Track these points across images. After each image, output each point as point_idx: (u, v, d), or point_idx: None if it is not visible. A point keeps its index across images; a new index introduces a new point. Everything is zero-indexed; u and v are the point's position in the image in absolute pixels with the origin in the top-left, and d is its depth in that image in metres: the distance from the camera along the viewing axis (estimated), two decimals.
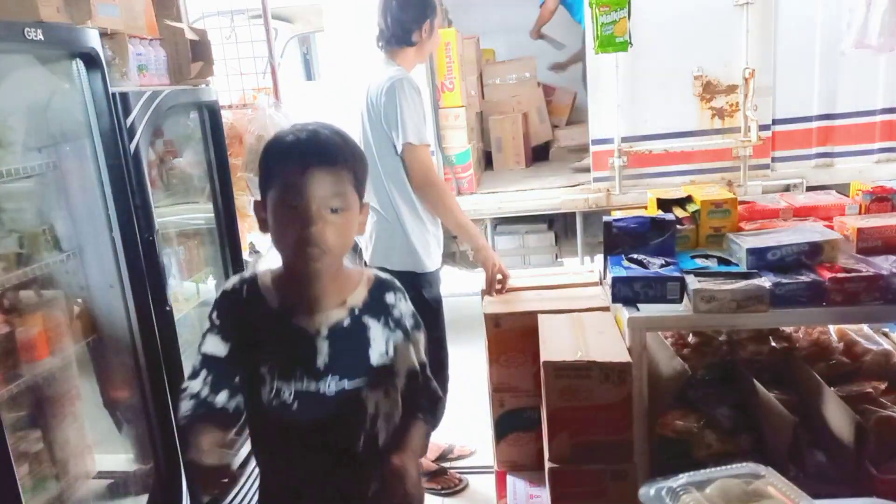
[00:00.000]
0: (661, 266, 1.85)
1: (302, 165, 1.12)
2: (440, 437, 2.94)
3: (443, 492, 2.80)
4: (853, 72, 3.47)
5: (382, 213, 2.47)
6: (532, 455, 2.21)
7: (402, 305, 1.30)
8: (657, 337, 2.05)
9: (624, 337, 1.82)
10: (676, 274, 1.78)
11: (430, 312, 2.46)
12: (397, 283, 1.33)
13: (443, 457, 2.98)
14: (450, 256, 4.24)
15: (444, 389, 2.64)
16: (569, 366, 1.71)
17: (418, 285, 2.45)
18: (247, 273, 1.28)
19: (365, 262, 2.55)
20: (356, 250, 2.59)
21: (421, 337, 1.32)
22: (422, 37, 2.38)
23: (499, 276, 2.31)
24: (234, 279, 1.27)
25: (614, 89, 3.58)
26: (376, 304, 1.27)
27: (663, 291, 1.77)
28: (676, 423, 1.94)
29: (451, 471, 2.89)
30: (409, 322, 1.30)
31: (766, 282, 1.71)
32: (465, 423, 2.97)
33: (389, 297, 1.29)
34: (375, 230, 2.51)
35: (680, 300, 1.76)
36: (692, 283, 1.74)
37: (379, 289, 1.29)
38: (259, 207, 1.21)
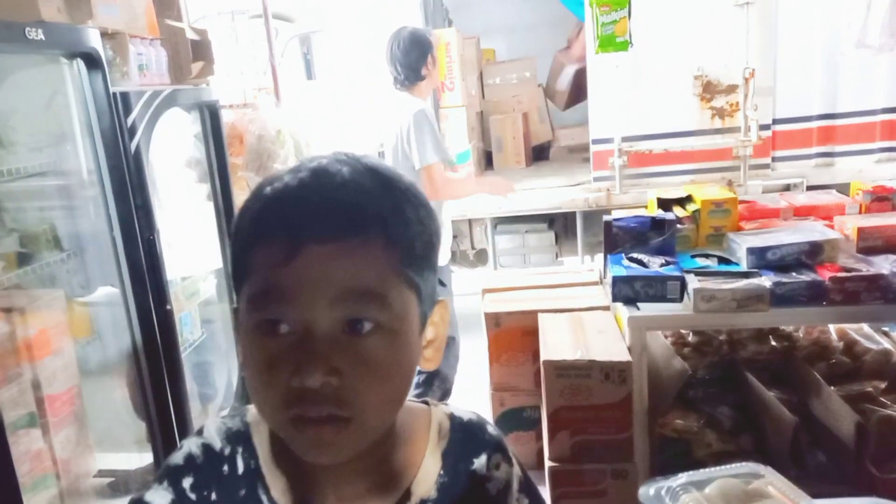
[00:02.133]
0: (662, 265, 1.85)
1: (289, 240, 0.56)
2: None
3: None
4: (853, 72, 3.46)
5: None
6: (532, 454, 2.22)
7: (504, 471, 0.73)
8: (657, 336, 2.05)
9: (624, 336, 1.82)
10: (677, 273, 1.79)
11: None
12: (489, 427, 0.74)
13: None
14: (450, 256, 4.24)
15: (449, 389, 2.72)
16: (569, 365, 1.71)
17: None
18: (233, 421, 0.69)
19: None
20: None
21: None
22: (428, 69, 2.77)
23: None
24: (213, 430, 0.68)
25: (614, 89, 3.58)
26: (460, 482, 0.70)
27: (663, 291, 1.77)
28: (676, 423, 1.94)
29: None
30: None
31: (766, 281, 1.71)
32: None
33: (479, 462, 0.71)
34: None
35: (680, 299, 1.77)
36: (692, 282, 1.74)
37: (461, 447, 0.71)
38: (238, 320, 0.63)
